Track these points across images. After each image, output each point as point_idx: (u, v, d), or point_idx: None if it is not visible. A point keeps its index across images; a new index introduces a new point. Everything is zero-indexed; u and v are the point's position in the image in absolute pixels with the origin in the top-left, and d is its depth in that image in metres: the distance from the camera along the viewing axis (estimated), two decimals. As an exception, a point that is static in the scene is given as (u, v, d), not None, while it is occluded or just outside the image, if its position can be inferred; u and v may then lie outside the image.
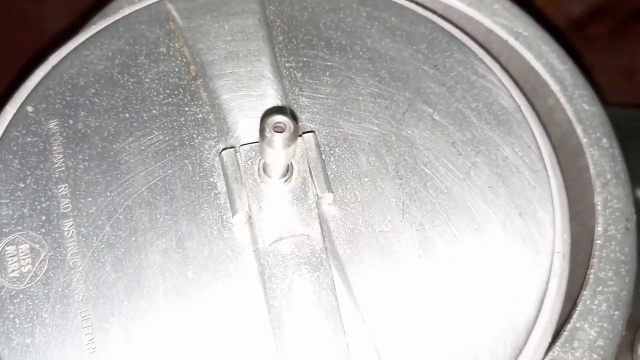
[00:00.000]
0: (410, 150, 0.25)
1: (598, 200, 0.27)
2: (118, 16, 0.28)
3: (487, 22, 0.31)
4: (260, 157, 0.23)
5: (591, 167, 0.27)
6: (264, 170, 0.23)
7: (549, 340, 0.24)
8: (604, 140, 0.28)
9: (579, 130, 0.28)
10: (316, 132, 0.25)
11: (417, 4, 0.30)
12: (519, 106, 0.27)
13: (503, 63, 0.30)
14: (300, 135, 0.24)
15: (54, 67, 0.27)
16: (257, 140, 0.23)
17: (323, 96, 0.26)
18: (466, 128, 0.26)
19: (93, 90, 0.26)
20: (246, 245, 0.23)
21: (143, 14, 0.28)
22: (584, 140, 0.28)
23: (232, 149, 0.24)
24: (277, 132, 0.20)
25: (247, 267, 0.23)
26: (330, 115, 0.26)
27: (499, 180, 0.25)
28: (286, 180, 0.23)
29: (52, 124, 0.25)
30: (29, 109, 0.26)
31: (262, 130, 0.20)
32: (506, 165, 0.26)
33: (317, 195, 0.23)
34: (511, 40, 0.31)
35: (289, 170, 0.23)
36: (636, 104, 0.53)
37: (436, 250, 0.24)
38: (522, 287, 0.24)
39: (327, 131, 0.25)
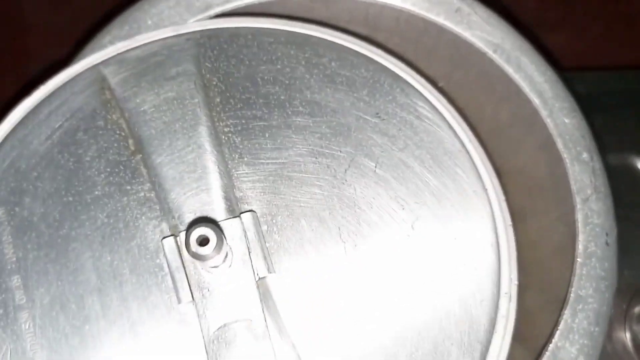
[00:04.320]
0: (353, 211, 0.25)
1: (578, 217, 0.27)
2: (51, 87, 0.27)
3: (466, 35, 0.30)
4: (199, 242, 0.23)
5: (572, 183, 0.27)
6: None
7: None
8: (585, 154, 0.28)
9: (559, 143, 0.28)
10: (258, 202, 0.25)
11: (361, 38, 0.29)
12: (464, 146, 0.27)
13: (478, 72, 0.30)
14: (238, 216, 0.24)
15: (-5, 150, 0.27)
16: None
17: (263, 161, 0.26)
18: (409, 180, 0.26)
19: (35, 174, 0.26)
20: (196, 328, 0.24)
21: (78, 83, 0.27)
22: (564, 155, 0.28)
23: (172, 237, 0.24)
24: (201, 246, 0.20)
25: (199, 349, 0.24)
26: (271, 181, 0.26)
27: (444, 234, 0.25)
28: (227, 264, 0.23)
29: (0, 213, 0.26)
30: (-25, 197, 0.26)
31: (187, 245, 0.20)
32: (451, 216, 0.26)
33: (258, 276, 0.24)
34: (490, 54, 0.30)
35: (228, 255, 0.23)
36: (633, 58, 0.51)
37: (384, 311, 0.24)
38: (469, 334, 0.25)
39: (268, 199, 0.25)
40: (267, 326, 0.23)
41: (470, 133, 0.28)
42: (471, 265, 0.25)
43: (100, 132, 0.27)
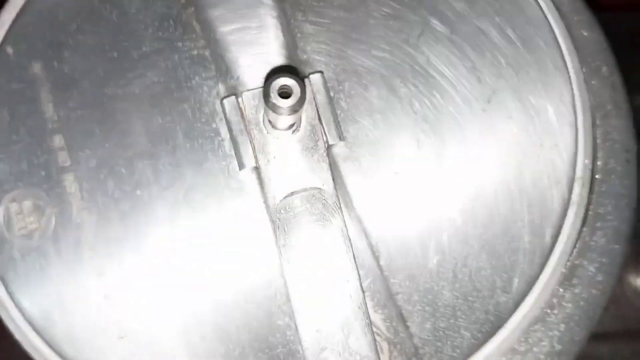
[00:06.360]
0: (426, 80, 0.23)
1: (598, 133, 0.25)
2: None
3: None
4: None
5: (590, 98, 0.25)
6: (270, 120, 0.21)
7: (563, 269, 0.24)
8: (604, 68, 0.25)
9: (577, 57, 0.25)
10: (324, 66, 0.23)
11: None
12: (546, 17, 0.25)
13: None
14: (307, 77, 0.22)
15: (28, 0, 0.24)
16: (261, 85, 0.21)
17: (329, 21, 0.23)
18: (487, 49, 0.24)
19: (75, 26, 0.23)
20: (256, 197, 0.22)
21: None
22: (583, 70, 0.25)
23: (234, 97, 0.22)
24: (282, 97, 0.18)
25: (259, 218, 0.22)
26: (339, 44, 0.23)
27: (521, 109, 0.24)
28: (294, 130, 0.21)
29: (36, 68, 0.23)
30: (9, 50, 0.23)
31: (266, 96, 0.18)
32: (530, 91, 0.24)
33: (328, 143, 0.22)
34: None
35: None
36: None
37: (454, 188, 0.23)
38: (540, 217, 0.23)
39: (335, 63, 0.23)
40: (337, 195, 0.21)
41: (551, 5, 0.25)
42: (548, 144, 0.24)
43: (146, -19, 0.24)
